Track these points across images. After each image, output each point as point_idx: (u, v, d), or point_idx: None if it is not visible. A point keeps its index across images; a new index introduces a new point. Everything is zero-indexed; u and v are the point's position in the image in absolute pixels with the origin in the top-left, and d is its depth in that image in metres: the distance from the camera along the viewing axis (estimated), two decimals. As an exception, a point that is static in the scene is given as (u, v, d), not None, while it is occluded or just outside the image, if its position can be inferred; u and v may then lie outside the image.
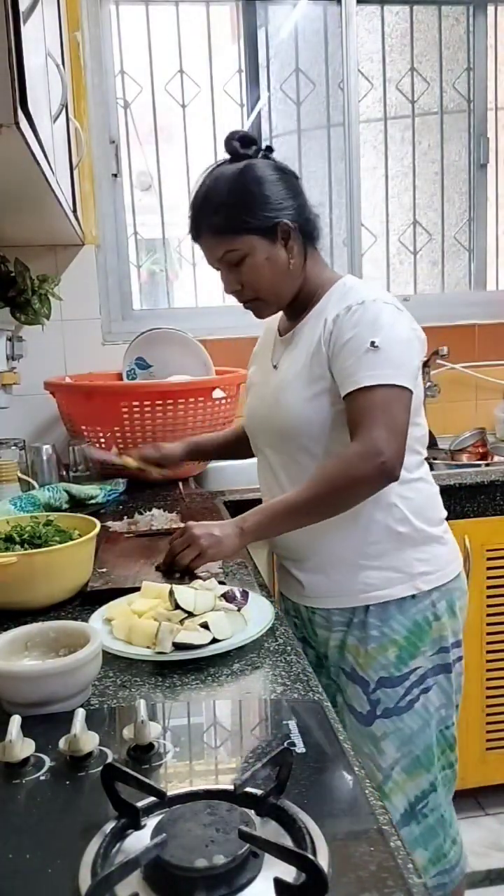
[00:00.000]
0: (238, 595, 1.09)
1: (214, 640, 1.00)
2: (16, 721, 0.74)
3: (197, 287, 2.67)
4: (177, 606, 1.04)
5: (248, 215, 1.25)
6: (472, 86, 2.73)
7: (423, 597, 1.30)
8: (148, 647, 0.99)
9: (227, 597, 1.09)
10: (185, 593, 1.06)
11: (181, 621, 1.02)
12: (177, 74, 2.52)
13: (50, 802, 0.68)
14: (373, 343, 1.19)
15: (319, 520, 1.23)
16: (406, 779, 1.31)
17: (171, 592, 1.06)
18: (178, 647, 0.98)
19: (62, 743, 0.74)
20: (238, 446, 1.62)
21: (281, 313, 1.43)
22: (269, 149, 1.34)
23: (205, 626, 1.00)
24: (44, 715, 0.82)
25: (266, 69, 2.67)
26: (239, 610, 1.05)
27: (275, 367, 1.39)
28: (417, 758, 1.31)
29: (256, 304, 1.35)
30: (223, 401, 2.06)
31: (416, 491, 1.31)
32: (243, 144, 1.30)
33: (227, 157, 1.32)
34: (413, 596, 1.29)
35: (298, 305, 1.35)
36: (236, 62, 2.62)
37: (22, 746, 0.73)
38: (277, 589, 1.49)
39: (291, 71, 2.64)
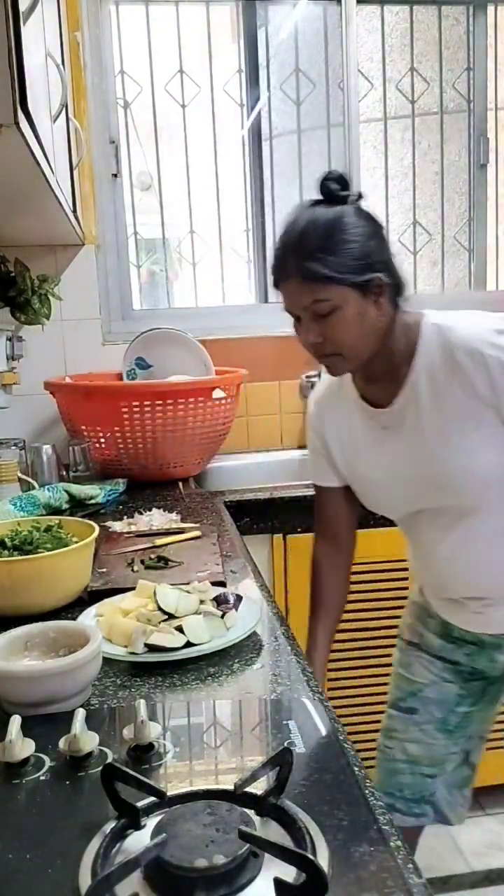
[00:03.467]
0: (230, 599, 1.09)
1: (190, 644, 0.99)
2: (16, 721, 0.74)
3: (197, 287, 2.67)
4: (159, 608, 1.04)
5: (345, 266, 1.15)
6: (472, 86, 2.73)
7: None
8: (125, 647, 0.99)
9: (219, 600, 1.09)
10: (167, 595, 1.06)
11: (160, 623, 1.02)
12: (177, 74, 2.52)
13: (50, 802, 0.68)
14: None
15: None
16: None
17: (155, 593, 1.07)
18: (151, 648, 0.98)
19: (62, 743, 0.74)
20: (342, 572, 1.52)
21: (345, 382, 1.35)
22: (361, 196, 1.24)
23: (180, 629, 1.00)
24: (44, 715, 0.82)
25: (266, 69, 2.67)
26: (223, 615, 1.05)
27: (397, 433, 1.27)
28: None
29: (335, 359, 1.24)
30: (223, 401, 2.06)
31: None
32: (341, 187, 1.20)
33: (319, 197, 1.22)
34: None
35: (393, 365, 1.24)
36: (236, 62, 2.62)
37: (22, 746, 0.73)
38: (441, 618, 1.42)
39: (291, 71, 2.65)
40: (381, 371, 1.26)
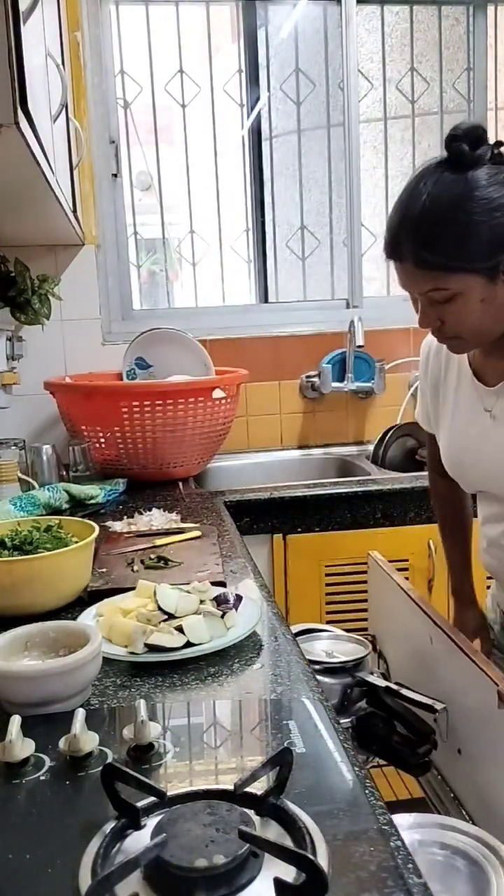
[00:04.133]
0: (230, 599, 1.09)
1: (190, 644, 0.99)
2: (16, 721, 0.74)
3: (197, 287, 2.67)
4: (159, 608, 1.04)
5: (472, 252, 1.02)
6: (472, 86, 2.73)
7: None
8: (125, 647, 0.99)
9: (219, 600, 1.09)
10: (167, 595, 1.06)
11: (160, 623, 1.02)
12: (177, 74, 2.52)
13: (50, 802, 0.68)
14: None
15: None
16: None
17: (155, 593, 1.07)
18: (151, 648, 0.98)
19: (62, 743, 0.74)
20: (464, 517, 1.49)
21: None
22: (500, 143, 1.06)
23: (180, 629, 1.00)
24: (44, 715, 0.82)
25: (266, 69, 2.67)
26: (223, 615, 1.05)
27: (490, 414, 1.20)
28: None
29: (455, 342, 1.15)
30: (223, 401, 2.06)
31: None
32: (472, 145, 1.03)
33: (445, 156, 1.06)
34: None
35: None
36: (236, 62, 2.62)
37: (22, 746, 0.73)
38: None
39: (291, 71, 2.65)
40: (498, 347, 1.15)
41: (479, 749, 1.20)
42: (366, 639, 1.51)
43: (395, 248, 1.07)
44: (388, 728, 1.17)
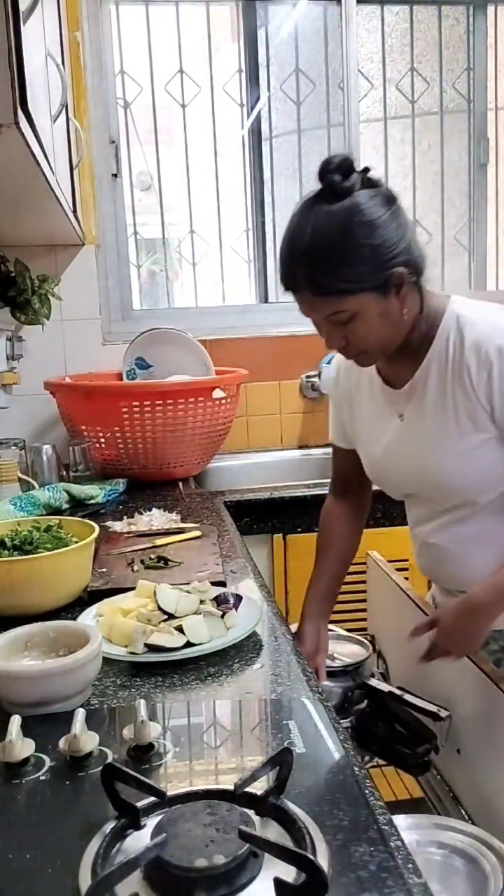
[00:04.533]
0: (231, 599, 1.09)
1: (190, 644, 0.99)
2: (16, 721, 0.74)
3: (197, 287, 2.67)
4: (159, 608, 1.04)
5: (361, 273, 1.08)
6: (472, 86, 2.73)
7: None
8: (125, 647, 0.99)
9: (219, 600, 1.09)
10: (167, 595, 1.06)
11: (160, 623, 1.02)
12: (177, 74, 2.52)
13: (50, 802, 0.68)
14: None
15: None
16: None
17: (155, 593, 1.07)
18: (151, 648, 0.98)
19: (62, 743, 0.74)
20: (350, 543, 1.50)
21: None
22: (367, 170, 1.13)
23: (180, 629, 1.00)
24: (44, 715, 0.82)
25: (266, 69, 2.67)
26: (223, 615, 1.05)
27: (400, 417, 1.27)
28: None
29: (362, 357, 1.20)
30: (223, 401, 2.06)
31: None
32: (344, 176, 1.09)
33: (321, 189, 1.11)
34: None
35: (411, 349, 1.21)
36: (236, 62, 2.62)
37: (22, 746, 0.73)
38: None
39: (291, 71, 2.65)
40: (401, 352, 1.21)
41: (478, 749, 1.20)
42: (365, 639, 1.51)
43: (291, 279, 1.13)
44: (388, 728, 1.17)
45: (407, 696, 1.26)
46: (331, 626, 1.48)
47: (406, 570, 1.54)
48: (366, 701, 1.34)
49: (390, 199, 1.13)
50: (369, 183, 1.12)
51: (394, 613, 1.50)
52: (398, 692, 1.28)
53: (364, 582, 1.74)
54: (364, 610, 1.80)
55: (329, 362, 2.52)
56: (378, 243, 1.08)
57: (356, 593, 1.75)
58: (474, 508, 1.24)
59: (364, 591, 1.74)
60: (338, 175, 1.08)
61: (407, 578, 1.55)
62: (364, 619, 1.80)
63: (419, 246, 1.16)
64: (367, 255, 1.08)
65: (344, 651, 1.48)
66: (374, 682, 1.34)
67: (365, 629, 1.77)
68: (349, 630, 1.55)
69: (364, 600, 1.78)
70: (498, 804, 1.12)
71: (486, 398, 1.15)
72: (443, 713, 1.22)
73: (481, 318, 1.17)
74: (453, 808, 1.27)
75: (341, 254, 1.08)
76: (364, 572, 1.68)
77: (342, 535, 1.49)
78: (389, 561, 1.62)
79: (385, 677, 1.52)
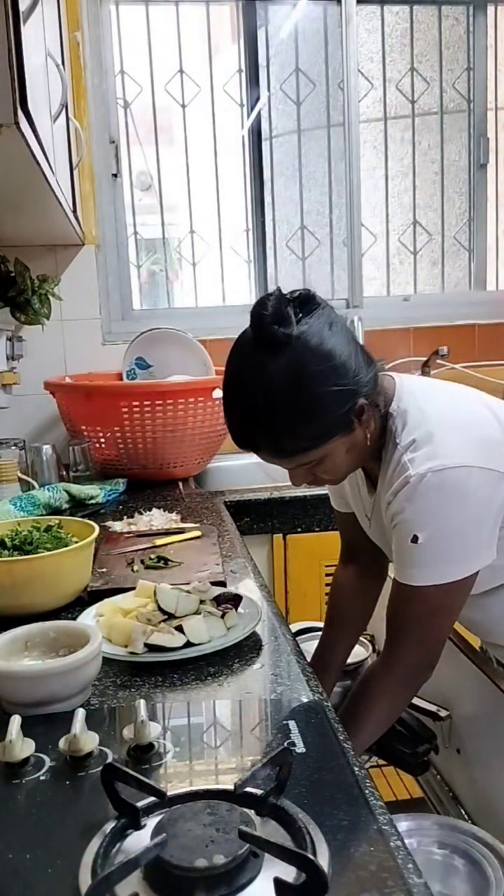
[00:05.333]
0: (231, 599, 1.09)
1: (190, 644, 0.99)
2: (16, 721, 0.74)
3: (197, 287, 2.67)
4: (159, 608, 1.04)
5: (324, 425, 1.00)
6: (472, 86, 2.73)
7: None
8: (125, 647, 0.99)
9: (219, 600, 1.09)
10: (167, 595, 1.06)
11: (160, 623, 1.02)
12: (177, 74, 2.52)
13: (50, 802, 0.68)
14: (415, 538, 1.01)
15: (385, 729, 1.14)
16: None
17: (155, 593, 1.07)
18: (151, 648, 0.98)
19: (62, 743, 0.74)
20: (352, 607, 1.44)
21: None
22: (299, 297, 1.01)
23: (180, 629, 1.00)
24: (44, 715, 0.82)
25: (266, 69, 2.67)
26: (223, 615, 1.05)
27: (367, 518, 1.24)
28: None
29: (332, 482, 1.17)
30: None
31: None
32: (281, 323, 0.97)
33: (257, 338, 0.99)
34: None
35: (373, 450, 1.13)
36: (236, 62, 2.62)
37: (22, 746, 0.73)
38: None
39: (291, 71, 2.65)
40: (371, 464, 1.16)
41: (477, 749, 1.20)
42: (365, 638, 1.51)
43: (250, 442, 1.05)
44: (390, 728, 1.17)
45: None
46: None
47: None
48: None
49: (332, 320, 1.01)
50: (304, 307, 1.01)
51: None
52: None
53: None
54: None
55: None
56: (335, 389, 0.99)
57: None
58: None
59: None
60: (275, 326, 0.97)
61: None
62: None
63: (364, 351, 1.06)
64: (327, 404, 0.99)
65: None
66: None
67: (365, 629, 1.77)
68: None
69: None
70: (498, 804, 1.12)
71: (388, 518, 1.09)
72: (442, 713, 1.22)
73: (415, 441, 1.05)
74: (453, 807, 1.27)
75: (301, 413, 0.99)
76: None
77: (351, 607, 1.42)
78: (391, 562, 1.62)
79: None
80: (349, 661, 1.42)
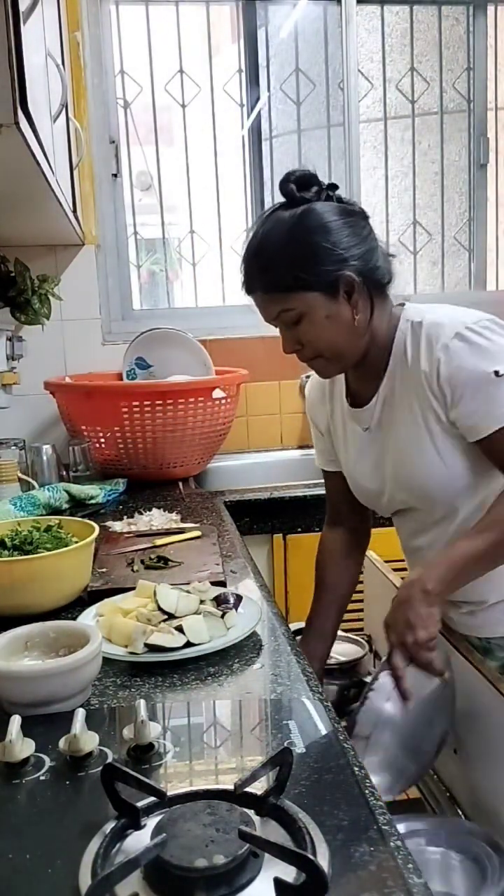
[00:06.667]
0: (231, 599, 1.09)
1: (190, 644, 0.99)
2: (16, 721, 0.74)
3: (197, 287, 2.67)
4: (159, 608, 1.04)
5: (305, 271, 1.11)
6: (472, 86, 2.73)
7: None
8: (125, 647, 0.99)
9: (219, 600, 1.09)
10: (167, 595, 1.06)
11: (160, 623, 1.02)
12: (177, 74, 2.52)
13: (50, 802, 0.68)
14: (496, 372, 1.08)
15: (499, 565, 1.15)
16: None
17: (155, 593, 1.07)
18: (151, 648, 0.98)
19: (62, 743, 0.74)
20: (345, 576, 1.49)
21: (340, 376, 1.32)
22: (333, 186, 1.17)
23: (180, 629, 1.00)
24: (44, 715, 0.82)
25: (266, 69, 2.67)
26: (223, 615, 1.05)
27: (366, 429, 1.28)
28: None
29: (318, 362, 1.22)
30: (223, 401, 2.06)
31: None
32: (301, 187, 1.14)
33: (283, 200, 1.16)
34: None
35: (374, 365, 1.22)
36: (236, 62, 2.62)
37: (22, 746, 0.73)
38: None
39: (291, 71, 2.65)
40: (365, 368, 1.23)
41: (474, 749, 1.20)
42: (362, 639, 1.51)
43: (247, 281, 1.17)
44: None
45: None
46: None
47: (403, 570, 1.53)
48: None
49: (351, 213, 1.16)
50: (333, 198, 1.16)
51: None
52: None
53: (361, 582, 1.74)
54: (361, 609, 1.80)
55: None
56: (326, 245, 1.11)
57: (356, 593, 1.74)
58: (458, 517, 1.22)
59: (361, 591, 1.74)
60: (294, 185, 1.14)
61: (403, 578, 1.54)
62: (361, 619, 1.80)
63: (384, 262, 1.20)
64: (312, 254, 1.11)
65: (340, 650, 1.48)
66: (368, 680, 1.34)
67: (362, 629, 1.77)
68: (346, 630, 1.55)
69: (361, 600, 1.78)
70: (494, 804, 1.12)
71: (439, 398, 1.14)
72: None
73: (429, 319, 1.18)
74: (450, 808, 1.27)
75: (287, 252, 1.11)
76: (361, 572, 1.68)
77: (336, 570, 1.47)
78: (388, 561, 1.62)
79: None
80: (344, 659, 1.42)
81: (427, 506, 1.26)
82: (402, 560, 1.48)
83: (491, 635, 1.29)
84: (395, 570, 1.59)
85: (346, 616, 1.82)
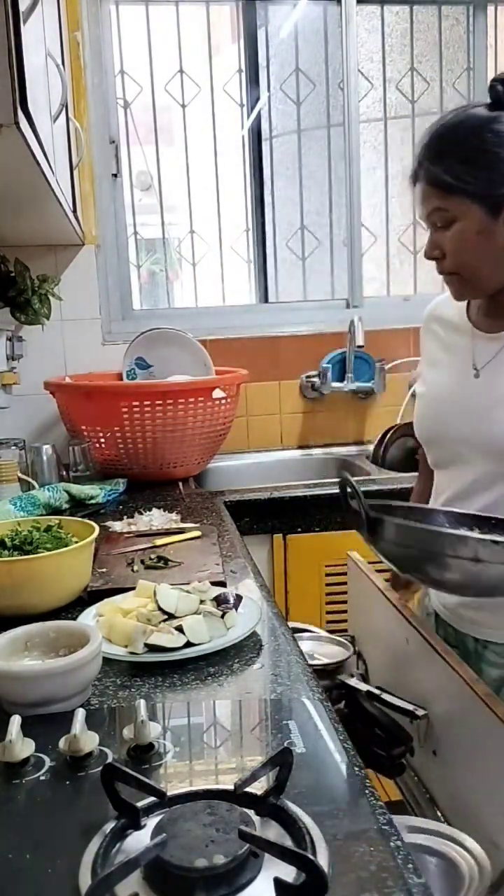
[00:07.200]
0: (231, 599, 1.09)
1: (190, 644, 0.99)
2: (16, 721, 0.74)
3: (197, 287, 2.67)
4: (159, 608, 1.04)
5: (474, 176, 1.04)
6: (472, 86, 2.73)
7: None
8: (125, 647, 0.99)
9: (219, 600, 1.09)
10: (167, 595, 1.06)
11: (160, 623, 1.02)
12: (177, 74, 2.52)
13: (50, 802, 0.68)
14: None
15: None
16: None
17: (155, 593, 1.07)
18: (151, 648, 0.98)
19: (62, 743, 0.74)
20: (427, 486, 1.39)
21: (475, 303, 1.22)
22: None
23: (180, 629, 1.00)
24: (44, 715, 0.82)
25: (266, 69, 2.67)
26: (223, 615, 1.05)
27: (476, 370, 1.18)
28: None
29: (454, 279, 1.14)
30: (223, 401, 2.06)
31: None
32: None
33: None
34: None
35: None
36: (236, 62, 2.62)
37: (22, 746, 0.73)
38: (434, 621, 1.39)
39: (291, 71, 2.65)
40: (499, 301, 1.15)
41: (453, 751, 1.19)
42: (346, 640, 1.51)
43: (416, 168, 1.11)
44: (366, 730, 1.17)
45: (384, 696, 1.26)
46: (311, 627, 1.47)
47: (386, 570, 1.51)
48: (344, 702, 1.34)
49: None
50: None
51: (373, 614, 1.50)
52: (376, 691, 1.28)
53: (345, 583, 1.74)
54: (345, 611, 1.80)
55: (329, 362, 2.53)
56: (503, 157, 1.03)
57: (338, 594, 1.75)
58: None
59: (345, 593, 1.74)
60: (501, 88, 1.05)
61: (387, 580, 1.54)
62: (345, 620, 1.80)
63: None
64: (489, 162, 1.04)
65: (324, 651, 1.47)
66: (352, 682, 1.34)
67: (346, 630, 1.77)
68: (331, 631, 1.55)
69: (345, 601, 1.78)
70: (472, 805, 1.12)
71: None
72: (419, 712, 1.21)
73: None
74: (430, 809, 1.27)
75: (462, 151, 1.05)
76: (345, 573, 1.68)
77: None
78: (370, 562, 1.62)
79: (364, 678, 1.51)
80: (329, 661, 1.42)
81: (485, 466, 1.16)
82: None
83: (490, 639, 1.24)
84: (378, 571, 1.57)
85: (331, 617, 1.82)
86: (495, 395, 1.13)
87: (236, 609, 1.08)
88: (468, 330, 1.21)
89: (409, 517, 1.15)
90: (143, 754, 0.74)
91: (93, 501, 1.82)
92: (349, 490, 1.08)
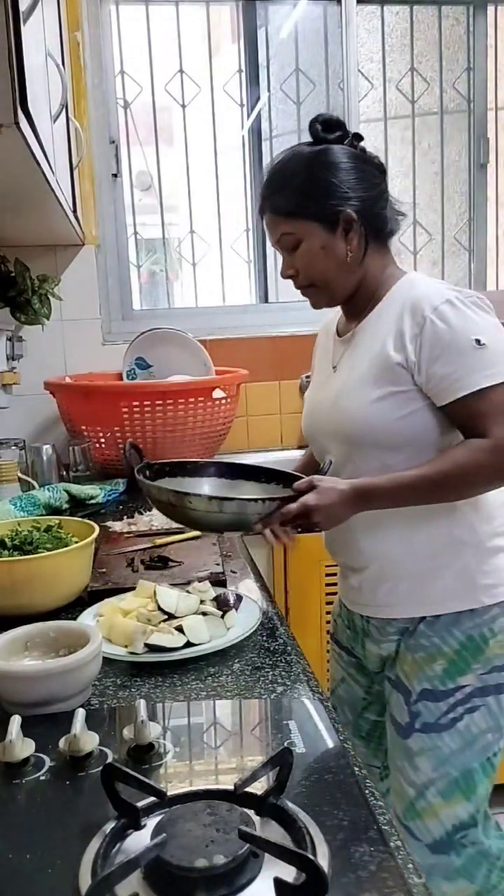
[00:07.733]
0: (231, 599, 1.09)
1: (190, 644, 0.99)
2: (16, 721, 0.74)
3: (197, 287, 2.67)
4: (159, 608, 1.04)
5: (310, 200, 1.21)
6: (472, 86, 2.73)
7: (482, 611, 1.20)
8: (125, 647, 0.99)
9: (219, 600, 1.09)
10: (167, 595, 1.06)
11: (160, 623, 1.02)
12: (177, 74, 2.52)
13: (50, 802, 0.68)
14: (478, 341, 1.12)
15: (436, 501, 1.17)
16: (442, 803, 1.22)
17: (155, 593, 1.07)
18: (151, 648, 0.98)
19: (62, 743, 0.74)
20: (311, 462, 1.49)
21: (341, 313, 1.37)
22: (358, 136, 1.27)
23: (180, 629, 1.00)
24: (44, 715, 0.82)
25: (266, 69, 2.67)
26: (223, 615, 1.05)
27: (334, 368, 1.32)
28: (455, 781, 1.21)
29: (310, 291, 1.28)
30: (223, 401, 2.06)
31: (484, 499, 1.22)
32: (325, 128, 1.24)
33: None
34: (472, 609, 1.20)
35: (359, 303, 1.28)
36: (236, 62, 2.62)
37: (22, 746, 0.73)
38: (338, 597, 1.43)
39: (291, 71, 2.64)
40: (353, 306, 1.30)
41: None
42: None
43: (261, 203, 1.27)
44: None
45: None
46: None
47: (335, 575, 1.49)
48: None
49: (366, 161, 1.25)
50: (356, 147, 1.26)
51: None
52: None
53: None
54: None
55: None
56: (333, 181, 1.20)
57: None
58: (374, 470, 1.20)
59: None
60: (319, 126, 1.23)
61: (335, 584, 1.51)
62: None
63: (390, 210, 1.30)
64: (320, 186, 1.20)
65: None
66: None
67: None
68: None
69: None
70: None
71: (414, 354, 1.16)
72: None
73: (425, 283, 1.24)
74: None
75: (298, 180, 1.21)
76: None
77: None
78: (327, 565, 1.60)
79: None
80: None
81: (348, 450, 1.25)
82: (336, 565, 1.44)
83: (372, 615, 1.30)
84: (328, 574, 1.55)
85: (331, 617, 1.81)
86: (340, 387, 1.26)
87: (236, 609, 1.08)
88: (332, 335, 1.38)
89: (176, 473, 1.35)
90: (143, 754, 0.74)
91: (93, 501, 1.82)
92: (130, 452, 1.32)
